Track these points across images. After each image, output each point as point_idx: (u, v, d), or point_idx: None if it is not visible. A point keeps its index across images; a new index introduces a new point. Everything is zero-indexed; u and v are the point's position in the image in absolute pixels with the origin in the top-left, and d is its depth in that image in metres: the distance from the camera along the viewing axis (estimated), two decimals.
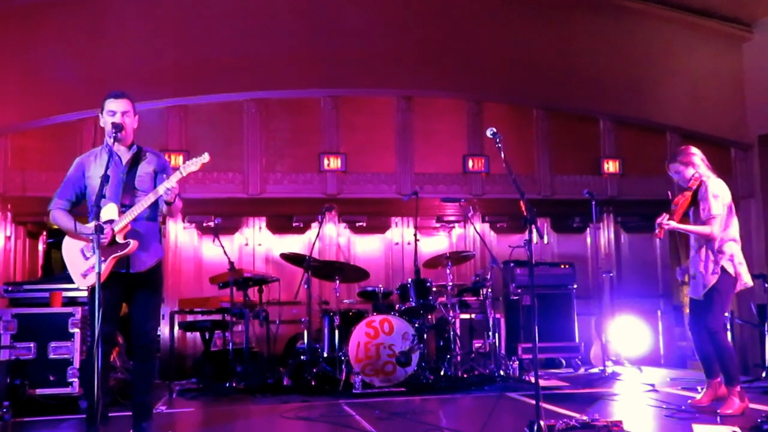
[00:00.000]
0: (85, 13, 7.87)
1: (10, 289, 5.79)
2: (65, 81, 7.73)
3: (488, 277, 7.04)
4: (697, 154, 4.96)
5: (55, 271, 7.97)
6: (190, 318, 6.94)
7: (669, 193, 5.17)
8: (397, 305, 6.52)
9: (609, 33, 9.02)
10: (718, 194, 4.81)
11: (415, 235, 7.10)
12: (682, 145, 5.15)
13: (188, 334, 7.69)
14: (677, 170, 4.98)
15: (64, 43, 7.77)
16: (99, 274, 3.38)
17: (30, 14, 7.74)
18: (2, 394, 4.98)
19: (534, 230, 3.71)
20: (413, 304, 6.40)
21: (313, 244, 6.95)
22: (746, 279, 4.79)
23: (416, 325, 6.27)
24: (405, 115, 8.47)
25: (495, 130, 4.04)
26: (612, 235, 9.01)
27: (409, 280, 6.57)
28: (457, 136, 8.59)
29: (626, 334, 7.89)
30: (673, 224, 4.75)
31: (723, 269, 4.73)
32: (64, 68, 7.67)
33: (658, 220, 4.74)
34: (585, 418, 3.66)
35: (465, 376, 6.41)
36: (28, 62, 7.67)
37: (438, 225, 8.71)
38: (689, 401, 5.09)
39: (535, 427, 3.45)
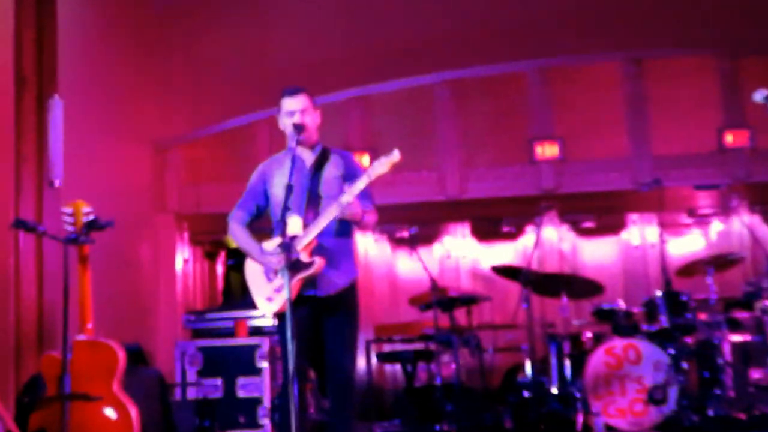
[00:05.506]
0: (251, 5, 8.39)
1: (192, 318, 6.27)
2: (233, 81, 8.29)
3: (765, 286, 6.54)
4: None
5: (236, 295, 8.49)
6: (387, 347, 7.10)
7: None
8: (644, 326, 6.27)
9: None
10: None
11: (660, 234, 6.83)
12: None
13: (387, 366, 7.88)
14: None
15: (231, 39, 8.35)
16: (290, 299, 3.51)
17: (193, 13, 8.39)
18: None
19: None
20: (665, 324, 6.13)
21: (531, 253, 6.81)
22: None
23: (671, 351, 5.99)
24: (635, 83, 8.11)
25: (767, 92, 3.79)
26: None
27: (658, 293, 6.29)
28: (706, 104, 8.08)
29: None
30: None
31: None
32: (231, 67, 8.24)
33: None
34: None
35: (742, 417, 5.97)
36: (194, 65, 8.33)
37: (690, 220, 8.26)
38: None
39: None
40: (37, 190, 5.84)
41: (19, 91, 5.80)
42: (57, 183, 5.81)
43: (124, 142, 7.55)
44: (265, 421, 5.53)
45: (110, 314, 6.08)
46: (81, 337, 4.34)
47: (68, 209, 4.38)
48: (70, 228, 4.35)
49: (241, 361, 5.60)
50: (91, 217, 4.33)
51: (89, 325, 4.38)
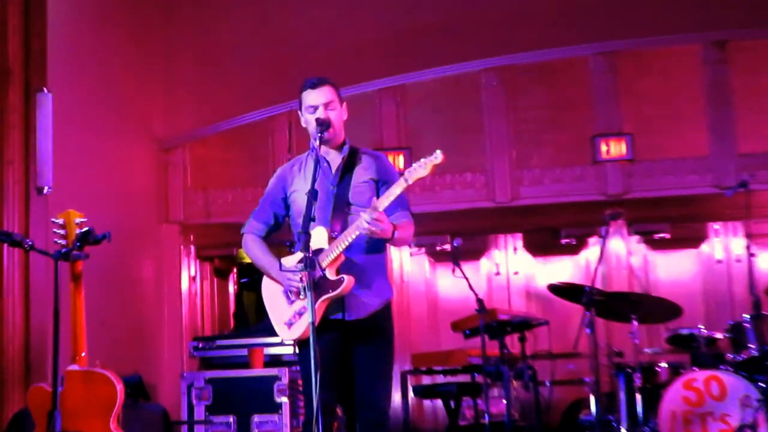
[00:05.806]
0: None
1: (200, 346, 6.31)
2: (248, 71, 8.35)
3: None
4: None
5: (250, 319, 8.52)
6: (427, 380, 7.09)
7: None
8: (729, 355, 6.18)
9: None
10: None
11: (747, 247, 6.75)
12: None
13: (426, 401, 7.86)
14: None
15: (246, 23, 8.44)
16: (313, 324, 3.51)
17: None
18: None
19: None
20: (754, 353, 6.03)
21: (595, 269, 6.74)
22: None
23: (761, 384, 5.88)
24: (717, 70, 8.09)
25: None
26: None
27: (745, 316, 6.19)
28: None
29: None
30: None
31: None
32: (246, 55, 8.30)
33: None
34: None
35: None
36: (203, 53, 8.43)
37: None
38: None
39: None
40: (24, 198, 5.90)
41: (2, 84, 5.87)
42: (46, 190, 5.86)
43: (122, 141, 7.64)
44: None
45: (107, 341, 6.16)
46: (73, 367, 4.36)
47: (59, 220, 4.41)
48: (61, 241, 4.38)
49: (257, 396, 5.61)
50: (85, 229, 4.35)
51: (83, 354, 4.41)
